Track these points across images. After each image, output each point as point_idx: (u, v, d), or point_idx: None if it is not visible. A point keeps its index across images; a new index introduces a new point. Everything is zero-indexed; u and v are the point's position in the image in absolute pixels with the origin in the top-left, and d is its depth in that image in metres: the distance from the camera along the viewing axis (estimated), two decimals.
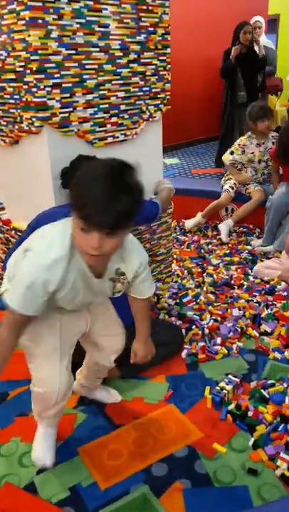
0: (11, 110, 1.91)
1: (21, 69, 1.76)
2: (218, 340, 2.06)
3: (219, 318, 2.22)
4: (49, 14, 1.69)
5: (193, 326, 2.17)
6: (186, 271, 2.73)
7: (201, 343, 2.05)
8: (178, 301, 2.39)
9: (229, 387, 1.73)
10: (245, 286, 2.54)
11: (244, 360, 1.97)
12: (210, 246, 3.19)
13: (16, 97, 1.85)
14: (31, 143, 1.93)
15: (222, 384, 1.75)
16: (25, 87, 1.78)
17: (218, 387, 1.74)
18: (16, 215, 2.22)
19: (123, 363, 1.85)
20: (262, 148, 3.33)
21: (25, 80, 1.76)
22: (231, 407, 1.68)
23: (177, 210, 3.72)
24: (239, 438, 1.56)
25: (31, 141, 1.93)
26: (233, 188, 3.41)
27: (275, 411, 1.62)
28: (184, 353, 1.99)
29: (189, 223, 3.50)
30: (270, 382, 1.80)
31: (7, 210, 2.29)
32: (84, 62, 1.85)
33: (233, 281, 2.61)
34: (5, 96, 1.91)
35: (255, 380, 1.81)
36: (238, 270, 2.76)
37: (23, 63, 1.75)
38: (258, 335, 2.12)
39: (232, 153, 3.44)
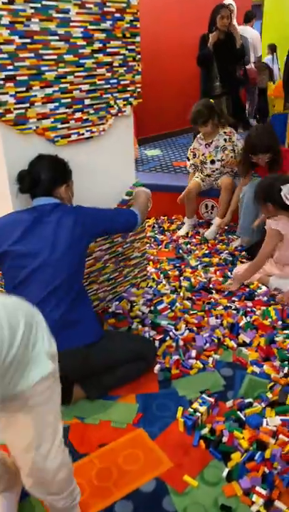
0: None
1: None
2: (193, 353, 1.92)
3: (195, 328, 2.08)
4: None
5: (168, 338, 2.03)
6: (162, 274, 2.58)
7: (175, 357, 1.91)
8: (152, 308, 2.25)
9: (203, 409, 1.59)
10: (226, 292, 2.40)
11: (220, 375, 1.83)
12: (189, 246, 3.04)
13: None
14: None
15: (195, 405, 1.62)
16: None
17: (191, 409, 1.60)
18: None
19: (88, 382, 1.72)
20: (212, 148, 3.17)
21: None
22: (205, 431, 1.55)
23: (157, 207, 3.57)
24: (212, 468, 1.43)
25: None
26: (202, 180, 3.29)
27: (251, 436, 1.49)
28: (156, 368, 1.85)
29: (210, 234, 3.19)
30: (247, 401, 1.67)
31: None
32: (41, 52, 1.67)
33: (211, 285, 2.48)
34: None
35: (231, 399, 1.69)
36: (218, 272, 2.62)
37: None
38: (235, 346, 1.99)
39: (188, 159, 3.37)
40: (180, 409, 1.64)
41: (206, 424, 1.58)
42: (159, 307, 2.23)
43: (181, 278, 2.54)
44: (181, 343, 1.99)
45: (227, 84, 3.98)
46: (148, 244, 2.98)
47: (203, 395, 1.67)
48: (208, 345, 1.98)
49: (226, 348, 1.98)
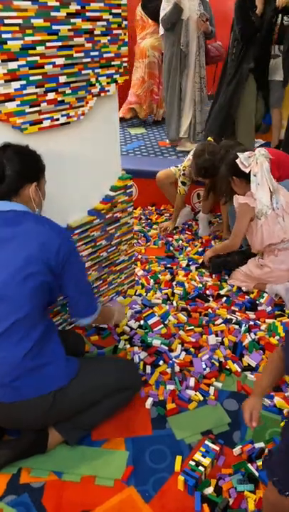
0: None
1: None
2: (192, 381, 1.64)
3: (192, 349, 1.79)
4: None
5: (161, 361, 1.74)
6: (152, 279, 2.27)
7: (171, 386, 1.62)
8: (142, 322, 1.95)
9: (206, 461, 1.32)
10: (224, 299, 2.11)
11: (224, 409, 1.56)
12: (181, 242, 2.72)
13: None
14: None
15: (197, 456, 1.34)
16: None
17: (192, 462, 1.33)
18: None
19: (66, 423, 1.42)
20: None
21: None
22: (209, 490, 1.28)
23: (143, 196, 3.24)
24: None
25: None
26: (185, 184, 2.75)
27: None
28: (148, 403, 1.57)
29: (202, 231, 2.83)
30: (258, 446, 1.40)
31: None
32: (2, 14, 1.29)
33: (208, 291, 2.18)
34: None
35: (239, 445, 1.42)
36: (213, 276, 2.32)
37: None
38: (239, 370, 1.71)
39: (183, 183, 2.73)
40: (178, 459, 1.37)
41: (210, 479, 1.31)
42: (150, 321, 1.93)
43: (174, 283, 2.24)
44: (177, 368, 1.70)
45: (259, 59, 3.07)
46: (135, 241, 2.65)
47: (207, 442, 1.40)
48: (208, 369, 1.70)
49: (229, 374, 1.70)
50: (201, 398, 1.59)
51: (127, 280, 2.17)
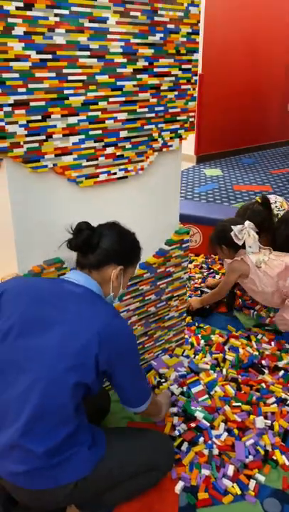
0: None
1: None
2: (230, 469, 1.46)
3: (236, 430, 1.61)
4: (9, 0, 1.14)
5: (201, 439, 1.58)
6: (202, 340, 2.12)
7: (206, 471, 1.46)
8: (185, 389, 1.80)
9: None
10: (281, 372, 1.91)
11: (263, 510, 1.36)
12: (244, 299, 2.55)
13: None
14: None
15: None
16: None
17: None
18: None
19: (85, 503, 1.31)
20: None
21: None
22: None
23: (207, 243, 3.11)
24: None
25: None
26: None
27: None
28: (178, 487, 1.42)
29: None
30: None
31: None
32: (66, 71, 1.29)
33: (264, 361, 1.99)
34: None
35: None
36: (272, 343, 2.12)
37: None
38: (288, 463, 1.50)
39: None
40: None
41: None
42: (194, 390, 1.78)
43: (226, 347, 2.08)
44: (215, 450, 1.53)
45: None
46: (188, 295, 2.53)
47: None
48: (251, 457, 1.51)
49: (275, 466, 1.50)
50: (239, 492, 1.41)
51: (175, 338, 2.05)
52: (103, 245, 1.27)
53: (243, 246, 2.13)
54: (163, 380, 1.85)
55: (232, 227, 2.11)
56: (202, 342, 2.10)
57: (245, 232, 2.11)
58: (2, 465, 1.13)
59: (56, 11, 1.23)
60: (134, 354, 1.25)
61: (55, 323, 1.14)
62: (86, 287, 1.23)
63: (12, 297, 1.19)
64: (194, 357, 2.00)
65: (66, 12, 1.25)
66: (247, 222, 2.13)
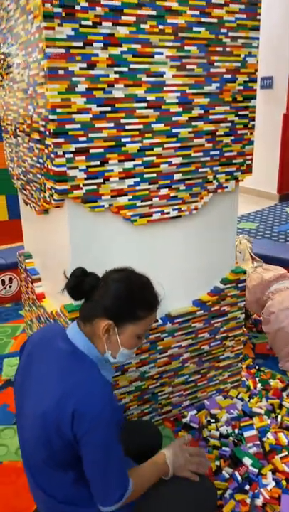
0: (38, 175, 1.57)
1: (43, 129, 1.41)
2: None
3: (285, 482, 1.53)
4: (75, 63, 1.30)
5: (247, 486, 1.52)
6: (260, 383, 2.06)
7: None
8: (236, 432, 1.76)
9: None
10: None
11: None
12: None
13: (40, 161, 1.50)
14: (56, 215, 1.57)
15: None
16: (46, 151, 1.41)
17: None
18: (50, 288, 1.84)
19: None
20: None
21: (46, 142, 1.40)
22: None
23: None
24: None
25: (56, 213, 1.56)
26: None
27: None
28: None
29: None
30: None
31: (43, 281, 1.94)
32: (123, 121, 1.42)
33: None
34: (33, 158, 1.58)
35: None
36: None
37: (43, 122, 1.39)
38: None
39: None
40: None
41: None
42: (246, 434, 1.73)
43: (285, 394, 1.99)
44: (259, 501, 1.46)
45: None
46: (245, 338, 2.48)
47: None
48: None
49: None
50: None
51: (231, 379, 2.01)
52: (94, 295, 1.12)
53: None
54: (213, 421, 1.81)
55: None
56: (259, 385, 2.04)
57: (237, 241, 2.33)
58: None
59: (116, 68, 1.37)
60: (100, 436, 0.98)
61: (30, 392, 1.12)
62: (72, 343, 1.11)
63: (24, 352, 1.23)
64: (249, 400, 1.94)
65: (125, 69, 1.38)
66: (242, 234, 2.37)
